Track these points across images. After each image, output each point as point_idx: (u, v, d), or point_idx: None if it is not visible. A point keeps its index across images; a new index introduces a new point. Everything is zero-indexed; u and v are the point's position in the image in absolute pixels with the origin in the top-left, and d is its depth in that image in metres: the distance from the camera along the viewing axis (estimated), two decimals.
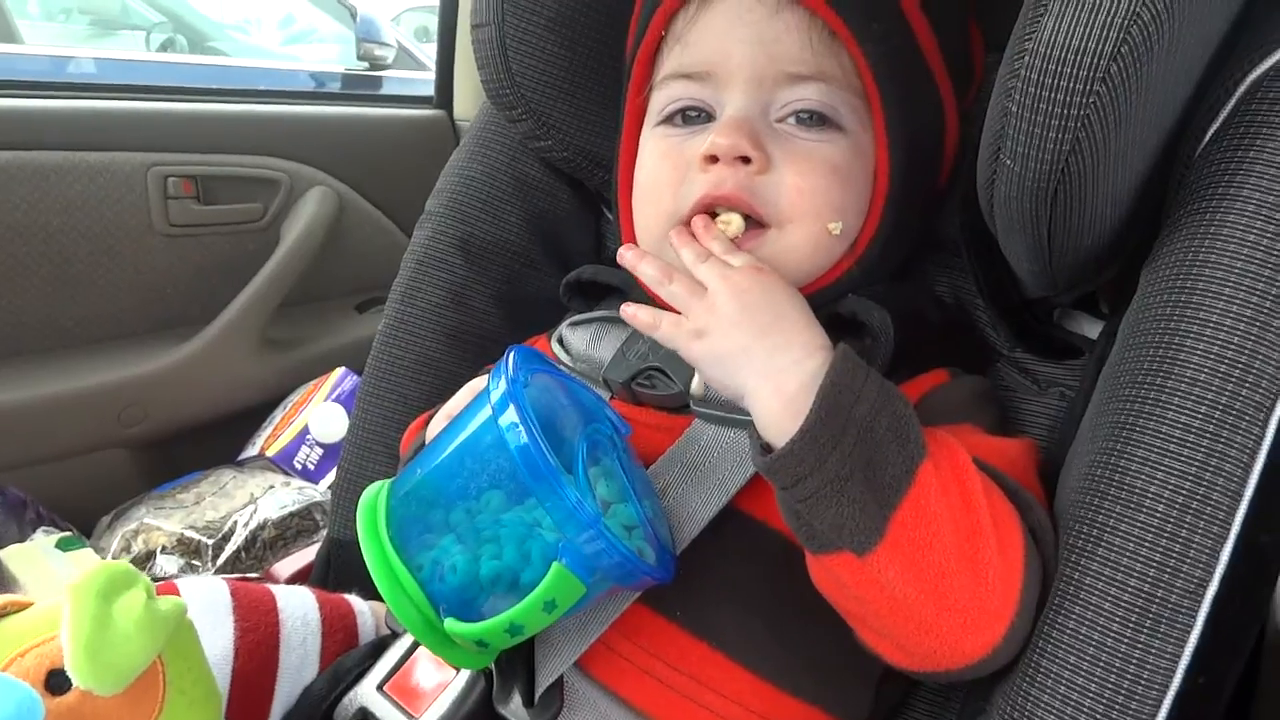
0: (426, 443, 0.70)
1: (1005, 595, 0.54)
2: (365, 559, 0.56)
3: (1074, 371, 0.72)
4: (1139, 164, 0.59)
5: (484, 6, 0.82)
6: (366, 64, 2.52)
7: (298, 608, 0.69)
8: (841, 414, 0.53)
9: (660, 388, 0.69)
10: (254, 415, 1.57)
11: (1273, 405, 0.52)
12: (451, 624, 0.55)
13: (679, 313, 0.61)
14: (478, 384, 0.70)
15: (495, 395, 0.54)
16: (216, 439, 1.55)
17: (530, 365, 0.60)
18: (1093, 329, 0.72)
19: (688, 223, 0.66)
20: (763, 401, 0.56)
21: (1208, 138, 0.60)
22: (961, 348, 0.74)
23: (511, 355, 0.58)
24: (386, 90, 2.52)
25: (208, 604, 0.66)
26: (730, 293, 0.59)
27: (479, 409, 0.57)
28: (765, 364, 0.57)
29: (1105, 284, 0.69)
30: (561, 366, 0.77)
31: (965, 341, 0.75)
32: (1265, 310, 0.53)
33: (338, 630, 0.70)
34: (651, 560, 0.57)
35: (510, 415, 0.53)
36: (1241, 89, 0.58)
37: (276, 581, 0.89)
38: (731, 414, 0.65)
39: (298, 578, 0.89)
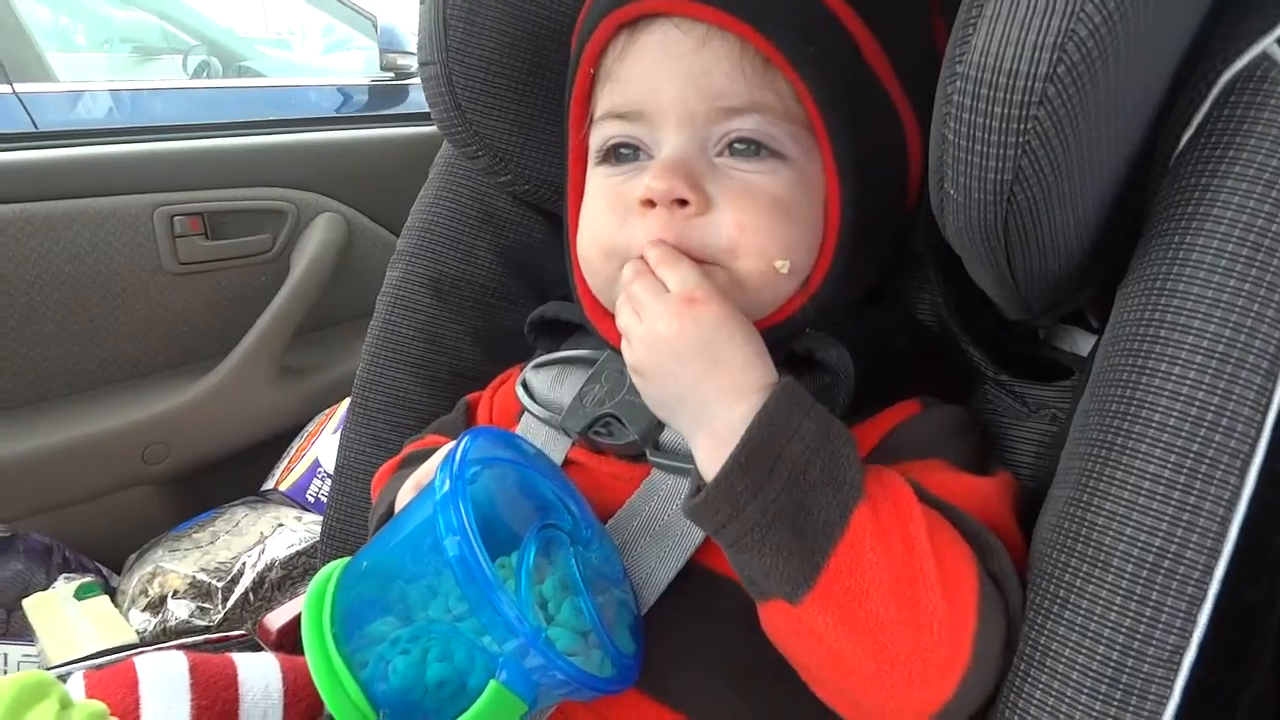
0: (395, 509, 0.67)
1: (954, 646, 0.49)
2: (306, 652, 0.53)
3: (1065, 392, 0.67)
4: (1103, 180, 0.53)
5: (428, 44, 0.79)
6: (392, 74, 2.53)
7: (259, 679, 0.68)
8: (769, 457, 0.51)
9: (617, 435, 0.66)
10: (276, 444, 1.60)
11: (1251, 453, 0.47)
12: None
13: None
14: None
15: (439, 493, 0.51)
16: (240, 470, 1.57)
17: (486, 455, 0.56)
18: (1085, 344, 0.67)
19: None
20: (698, 447, 0.55)
21: (1183, 143, 0.54)
22: (939, 372, 0.69)
23: (462, 445, 0.54)
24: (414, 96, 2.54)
25: (164, 680, 0.65)
26: (655, 336, 0.57)
27: (425, 502, 0.53)
28: (699, 411, 0.55)
29: (1091, 300, 0.64)
30: (526, 413, 0.75)
31: (944, 365, 0.70)
32: (1239, 345, 0.48)
33: (301, 700, 0.69)
34: (606, 669, 0.53)
35: (449, 519, 0.49)
36: (1215, 91, 0.53)
37: (269, 633, 0.88)
38: (687, 464, 0.62)
39: (289, 629, 0.88)
